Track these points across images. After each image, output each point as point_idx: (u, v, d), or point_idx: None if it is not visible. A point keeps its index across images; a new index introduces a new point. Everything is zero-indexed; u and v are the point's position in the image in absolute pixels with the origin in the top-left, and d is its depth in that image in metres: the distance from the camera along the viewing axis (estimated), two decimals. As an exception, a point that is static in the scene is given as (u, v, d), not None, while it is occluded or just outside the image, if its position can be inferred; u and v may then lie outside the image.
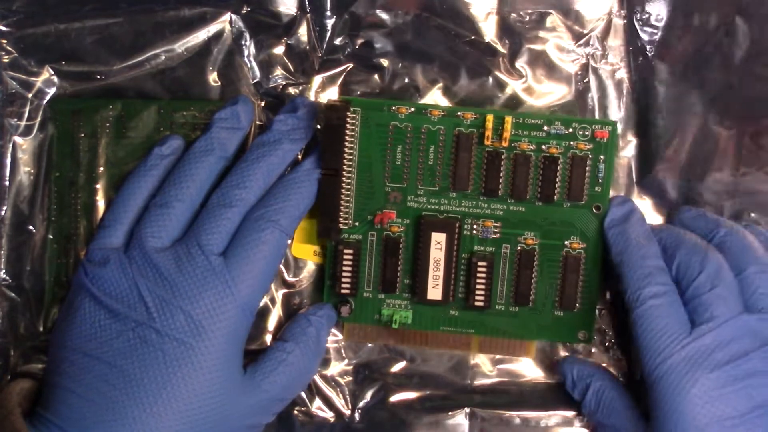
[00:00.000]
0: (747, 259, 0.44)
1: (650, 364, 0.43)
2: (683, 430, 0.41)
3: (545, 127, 0.47)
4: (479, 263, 0.47)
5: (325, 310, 0.49)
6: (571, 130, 0.47)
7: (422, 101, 0.49)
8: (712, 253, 0.44)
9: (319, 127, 0.48)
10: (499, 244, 0.48)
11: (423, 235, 0.47)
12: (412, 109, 0.47)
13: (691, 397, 0.41)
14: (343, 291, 0.48)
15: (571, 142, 0.47)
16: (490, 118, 0.47)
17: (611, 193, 0.48)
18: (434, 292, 0.48)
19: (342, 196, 0.47)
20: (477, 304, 0.48)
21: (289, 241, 0.49)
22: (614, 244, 0.46)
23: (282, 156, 0.47)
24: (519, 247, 0.48)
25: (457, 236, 0.48)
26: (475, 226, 0.48)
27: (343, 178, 0.47)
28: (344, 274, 0.48)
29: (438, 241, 0.47)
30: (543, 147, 0.47)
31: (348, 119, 0.46)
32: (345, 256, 0.48)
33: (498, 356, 0.50)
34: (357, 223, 0.48)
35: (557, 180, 0.47)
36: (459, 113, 0.47)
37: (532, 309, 0.48)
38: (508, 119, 0.46)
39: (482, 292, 0.48)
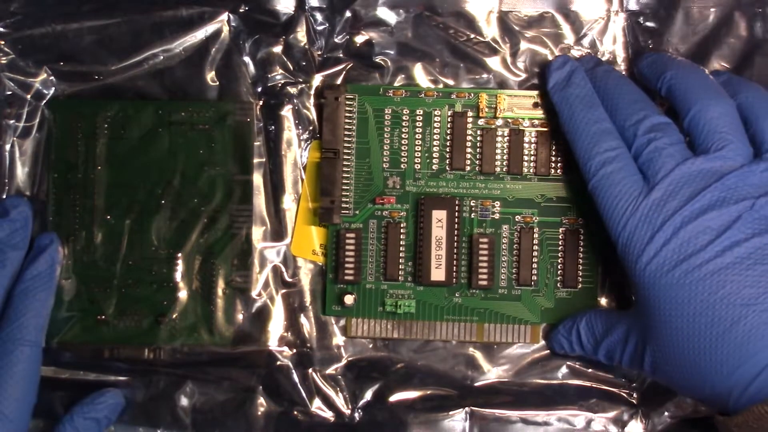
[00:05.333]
0: (690, 99, 0.43)
1: (613, 233, 0.42)
2: (655, 288, 0.41)
3: (538, 102, 0.48)
4: (481, 240, 0.48)
5: (106, 397, 0.48)
6: None
7: (421, 100, 0.49)
8: (647, 105, 0.43)
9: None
10: (499, 224, 0.49)
11: (424, 212, 0.48)
12: (407, 93, 0.48)
13: (650, 252, 0.41)
14: (347, 278, 0.48)
15: None
16: (483, 95, 0.48)
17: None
18: (438, 273, 0.48)
19: (342, 175, 0.48)
20: (481, 282, 0.48)
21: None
22: (559, 112, 0.45)
23: (9, 266, 0.46)
24: (518, 226, 0.48)
25: (457, 215, 0.48)
26: (473, 205, 0.48)
27: (343, 157, 0.48)
28: (347, 259, 0.48)
29: (439, 218, 0.48)
30: (536, 122, 0.48)
31: (346, 99, 0.48)
32: (348, 241, 0.48)
33: (498, 356, 0.50)
34: (357, 212, 0.48)
35: (552, 153, 0.48)
36: (453, 94, 0.48)
37: (535, 290, 0.49)
38: (501, 94, 0.48)
39: (485, 270, 0.48)
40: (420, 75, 0.49)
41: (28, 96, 0.49)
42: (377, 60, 0.49)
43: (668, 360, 0.41)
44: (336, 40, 0.49)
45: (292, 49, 0.49)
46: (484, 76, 0.49)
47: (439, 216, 0.48)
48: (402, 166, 0.49)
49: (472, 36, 0.49)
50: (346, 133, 0.48)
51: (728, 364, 0.39)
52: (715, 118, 0.42)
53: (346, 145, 0.48)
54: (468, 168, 0.48)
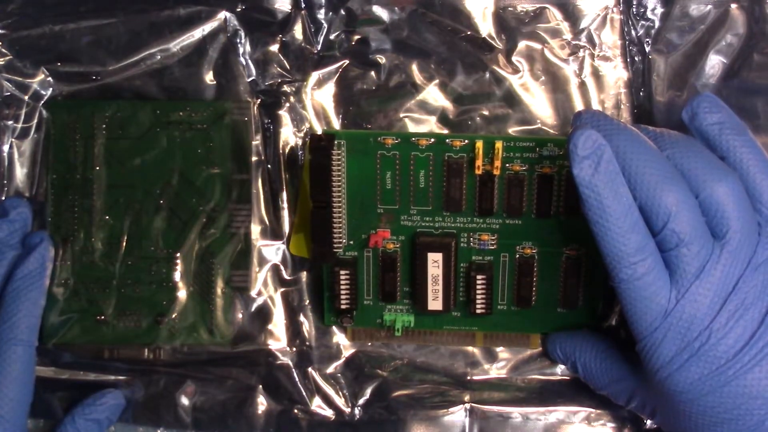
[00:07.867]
0: (696, 182, 0.40)
1: (636, 334, 0.41)
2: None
3: (537, 149, 0.45)
4: (478, 276, 0.47)
5: (107, 398, 0.49)
6: (563, 151, 0.45)
7: (419, 97, 0.49)
8: (672, 181, 0.39)
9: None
10: (497, 253, 0.47)
11: (419, 255, 0.47)
12: (398, 139, 0.46)
13: (675, 364, 0.40)
14: (342, 307, 0.48)
15: (565, 161, 0.45)
16: (479, 145, 0.44)
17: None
18: (435, 304, 0.47)
19: (333, 227, 0.46)
20: (478, 311, 0.47)
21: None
22: (585, 200, 0.39)
23: (7, 267, 0.47)
24: (517, 256, 0.47)
25: (455, 251, 0.47)
26: (471, 240, 0.47)
27: (333, 212, 0.46)
28: (342, 293, 0.48)
29: (435, 260, 0.46)
30: (536, 167, 0.45)
31: (333, 157, 0.45)
32: (342, 277, 0.47)
33: (498, 353, 0.50)
34: (351, 242, 0.48)
35: (553, 196, 0.46)
36: (447, 140, 0.45)
37: (535, 308, 0.48)
38: (499, 145, 0.44)
39: (483, 302, 0.47)
40: (416, 73, 0.49)
41: (26, 97, 0.49)
42: (373, 58, 0.49)
43: None
44: (331, 38, 0.49)
45: (289, 47, 0.49)
46: (481, 73, 0.48)
47: (434, 258, 0.46)
48: (396, 204, 0.47)
49: (469, 32, 0.48)
50: (336, 181, 0.45)
51: None
52: (724, 202, 0.40)
53: (336, 192, 0.45)
54: (464, 208, 0.46)
